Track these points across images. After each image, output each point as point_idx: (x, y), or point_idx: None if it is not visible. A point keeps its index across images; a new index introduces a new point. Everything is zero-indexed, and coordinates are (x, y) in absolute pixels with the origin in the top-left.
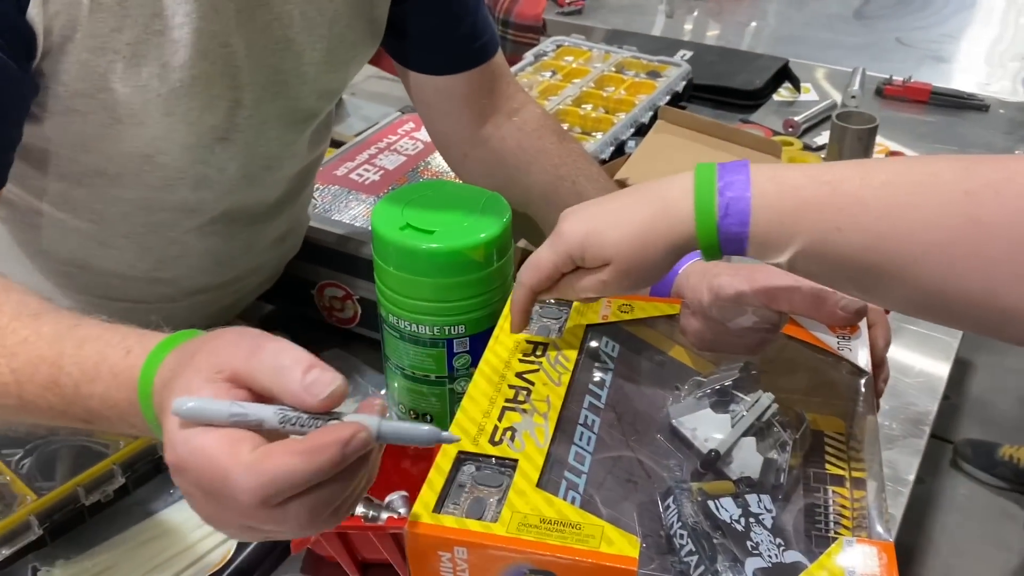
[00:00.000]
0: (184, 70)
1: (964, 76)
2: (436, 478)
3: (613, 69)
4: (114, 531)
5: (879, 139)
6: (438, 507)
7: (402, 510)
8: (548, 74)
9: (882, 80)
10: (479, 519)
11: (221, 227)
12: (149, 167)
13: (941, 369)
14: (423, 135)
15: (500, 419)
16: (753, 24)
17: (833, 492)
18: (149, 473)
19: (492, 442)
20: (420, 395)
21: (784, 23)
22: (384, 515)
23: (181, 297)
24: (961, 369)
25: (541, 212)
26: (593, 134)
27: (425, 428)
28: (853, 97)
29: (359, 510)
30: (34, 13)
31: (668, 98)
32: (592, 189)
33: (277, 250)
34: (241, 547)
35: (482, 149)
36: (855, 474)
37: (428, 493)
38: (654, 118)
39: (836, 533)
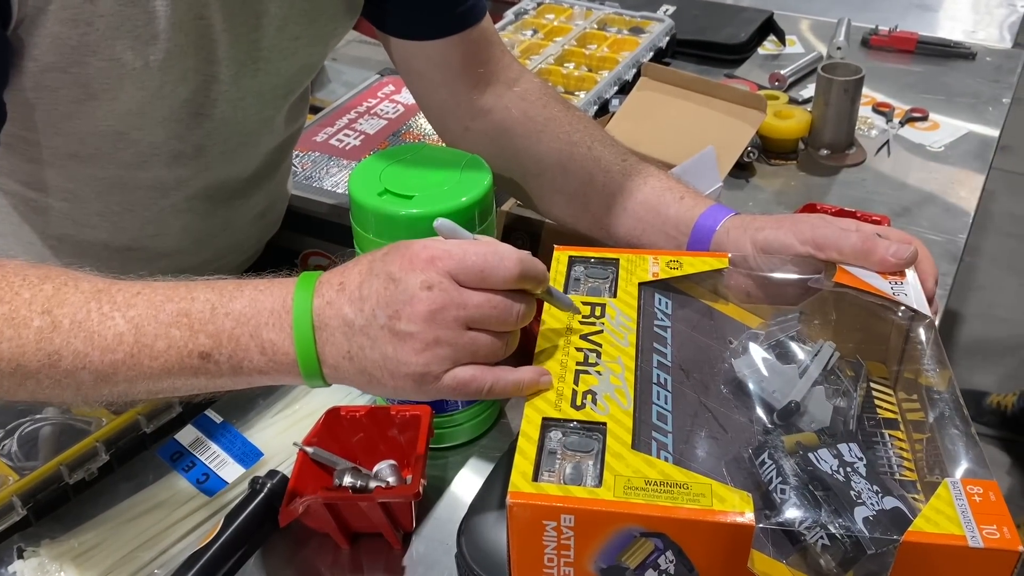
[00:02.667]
0: (159, 43)
1: (950, 24)
2: (527, 446)
3: (595, 26)
4: (99, 509)
5: (866, 90)
6: (536, 475)
7: (391, 479)
8: (529, 33)
9: (868, 30)
10: (580, 485)
11: (198, 204)
12: (123, 144)
13: None
14: (403, 97)
15: (576, 383)
16: None
17: (890, 435)
18: (133, 449)
19: (575, 406)
20: None
21: None
22: (372, 484)
23: (159, 276)
24: (950, 319)
25: (557, 180)
26: (576, 93)
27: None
28: (839, 48)
29: (347, 480)
30: None
31: (651, 54)
32: (608, 153)
33: (256, 227)
34: (228, 521)
35: (484, 121)
36: (911, 416)
37: (523, 463)
38: (638, 75)
39: (902, 476)
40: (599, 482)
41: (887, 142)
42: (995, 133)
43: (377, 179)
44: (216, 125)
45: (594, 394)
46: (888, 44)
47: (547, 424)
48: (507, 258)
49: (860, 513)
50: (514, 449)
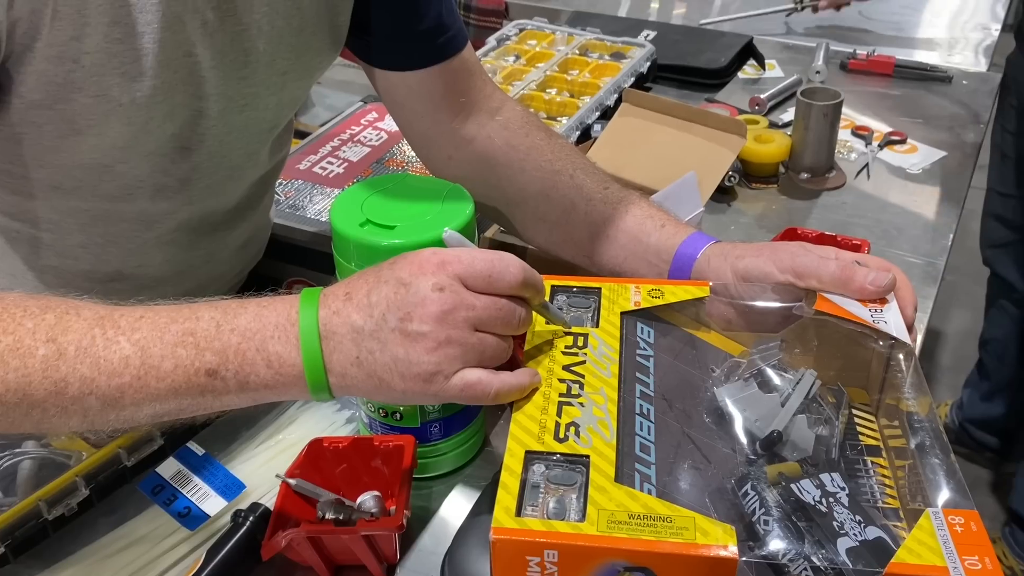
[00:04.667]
0: (146, 79)
1: (927, 48)
2: (510, 480)
3: (577, 52)
4: (79, 545)
5: (845, 113)
6: (519, 511)
7: (375, 510)
8: (512, 59)
9: (846, 54)
10: (563, 519)
11: (182, 236)
12: (108, 177)
13: None
14: (386, 124)
15: (559, 415)
16: (718, 1)
17: (872, 463)
18: (114, 483)
19: (557, 439)
20: None
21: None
22: (356, 516)
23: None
24: (933, 337)
25: (540, 209)
26: (558, 119)
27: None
28: (818, 72)
29: (330, 513)
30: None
31: (633, 79)
32: (591, 181)
33: (240, 257)
34: (211, 555)
35: (467, 150)
36: (893, 443)
37: (506, 497)
38: (619, 101)
39: (884, 503)
40: (582, 516)
41: (867, 165)
42: (972, 155)
43: (359, 209)
44: (202, 159)
45: (577, 426)
46: (866, 68)
47: (530, 457)
48: (512, 264)
49: (843, 544)
50: (495, 484)
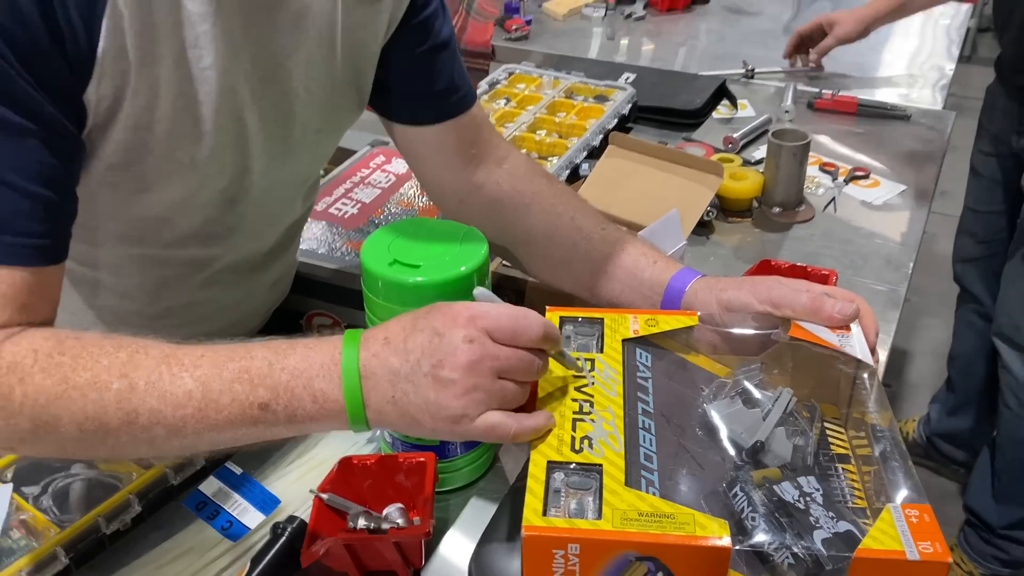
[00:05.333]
0: (204, 141)
1: (888, 87)
2: (535, 486)
3: (563, 95)
4: (133, 557)
5: (813, 150)
6: (545, 511)
7: (400, 520)
8: (503, 101)
9: (813, 94)
10: (583, 518)
11: (225, 277)
12: (167, 227)
13: None
14: (394, 167)
15: (574, 430)
16: (690, 43)
17: (843, 469)
18: (162, 500)
19: (574, 450)
20: None
21: (718, 41)
22: (385, 526)
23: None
24: (900, 357)
25: (544, 248)
26: (549, 158)
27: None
28: (787, 112)
29: (361, 522)
30: (90, 92)
31: (616, 121)
32: (588, 223)
33: (271, 293)
34: (255, 564)
35: (478, 195)
36: (860, 451)
37: (533, 500)
38: (604, 140)
39: (854, 504)
40: (599, 515)
41: (833, 199)
42: (930, 187)
43: (386, 250)
44: (246, 209)
45: (590, 439)
46: (832, 107)
47: (551, 467)
48: (534, 321)
49: (819, 535)
50: (515, 490)
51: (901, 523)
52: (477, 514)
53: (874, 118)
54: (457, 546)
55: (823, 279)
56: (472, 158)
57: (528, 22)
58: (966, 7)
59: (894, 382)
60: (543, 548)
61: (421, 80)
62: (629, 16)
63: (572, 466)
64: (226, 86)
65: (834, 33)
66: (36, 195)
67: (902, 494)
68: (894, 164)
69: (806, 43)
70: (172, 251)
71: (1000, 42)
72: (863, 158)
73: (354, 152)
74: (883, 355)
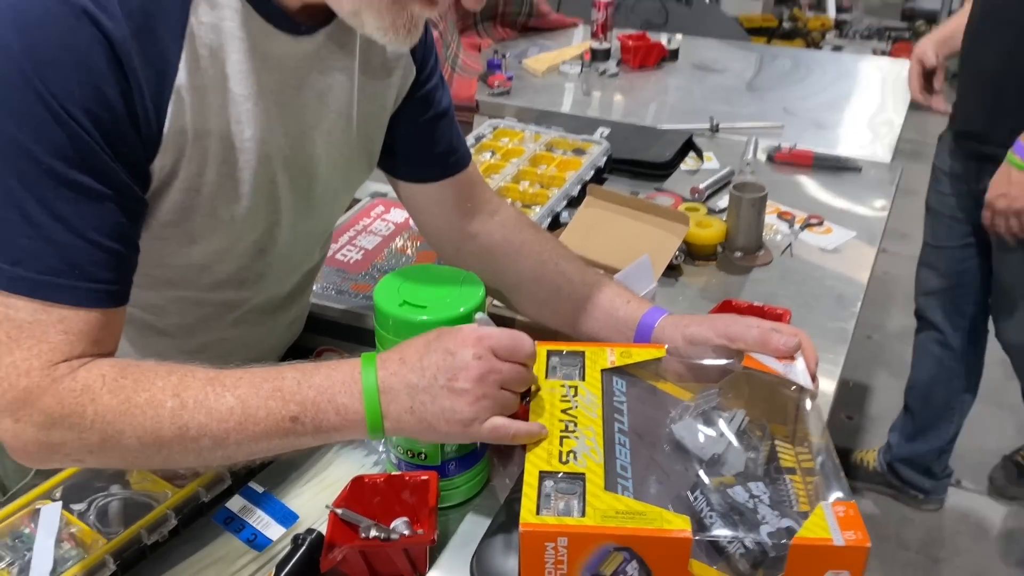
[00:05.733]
0: (243, 201)
1: (843, 141)
2: (530, 492)
3: (543, 148)
4: (170, 565)
5: (772, 199)
6: (539, 511)
7: (406, 532)
8: (488, 155)
9: (773, 147)
10: (570, 516)
11: (252, 316)
12: (206, 274)
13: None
14: (392, 216)
15: (561, 445)
16: (660, 98)
17: (790, 479)
18: (194, 516)
19: (561, 462)
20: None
21: (686, 97)
22: (393, 536)
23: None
24: (862, 391)
25: (532, 290)
26: (532, 207)
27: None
28: (748, 164)
29: (373, 533)
30: (155, 163)
31: (592, 172)
32: (570, 267)
33: (288, 332)
34: (279, 570)
35: (472, 243)
36: (804, 464)
37: (528, 503)
38: (583, 190)
39: (799, 508)
40: (583, 514)
41: (790, 245)
42: (878, 233)
43: (396, 292)
44: (274, 258)
45: (574, 453)
46: (789, 159)
47: (543, 475)
48: (527, 341)
49: (764, 530)
50: (509, 502)
51: (831, 517)
52: (473, 527)
53: (829, 169)
54: (456, 555)
55: (777, 317)
56: (468, 211)
57: (510, 78)
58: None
59: (856, 415)
60: (537, 541)
61: (423, 144)
62: (603, 73)
63: (560, 475)
64: (263, 154)
65: (934, 63)
66: (109, 249)
67: (834, 494)
68: (846, 212)
69: (928, 81)
70: (209, 294)
71: (957, 98)
72: (818, 207)
73: (357, 202)
74: (831, 386)
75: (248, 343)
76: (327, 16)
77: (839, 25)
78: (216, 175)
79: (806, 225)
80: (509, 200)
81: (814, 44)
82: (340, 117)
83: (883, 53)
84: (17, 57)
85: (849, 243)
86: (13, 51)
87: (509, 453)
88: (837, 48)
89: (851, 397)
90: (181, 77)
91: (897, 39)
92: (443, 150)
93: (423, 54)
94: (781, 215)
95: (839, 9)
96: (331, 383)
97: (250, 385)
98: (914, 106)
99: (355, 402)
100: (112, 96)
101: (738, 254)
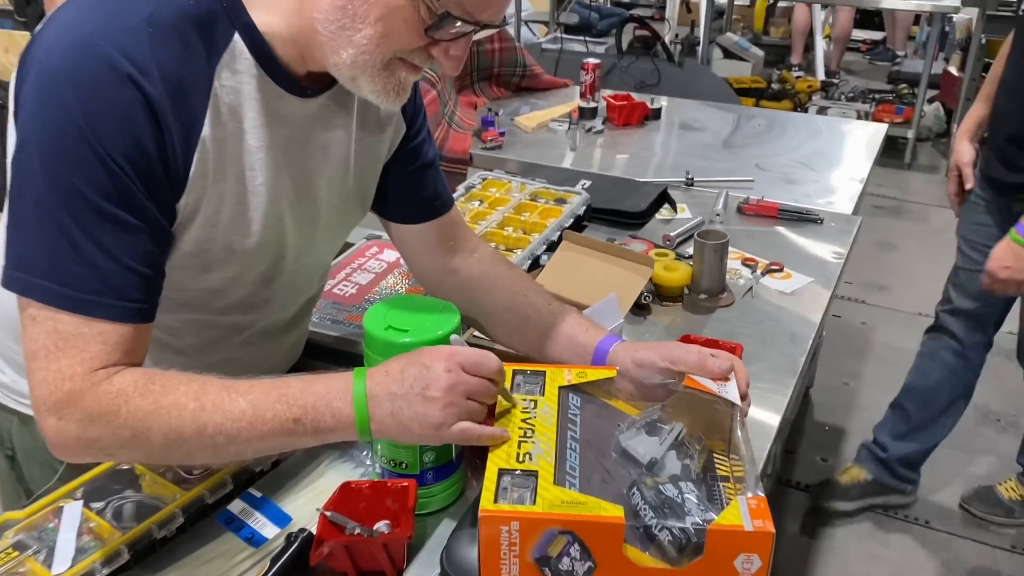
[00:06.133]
0: (253, 237)
1: (809, 194)
2: (489, 485)
3: (528, 197)
4: (177, 557)
5: (734, 249)
6: (496, 500)
7: (387, 531)
8: (477, 203)
9: (742, 199)
10: (522, 504)
11: (257, 339)
12: (218, 298)
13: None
14: (385, 256)
15: (519, 448)
16: (642, 154)
17: (723, 486)
18: (199, 515)
19: (518, 461)
20: (396, 448)
21: (666, 152)
22: (375, 535)
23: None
24: (837, 435)
25: (505, 318)
26: (515, 251)
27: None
28: (718, 215)
29: (357, 532)
30: (181, 202)
31: (572, 220)
32: (539, 299)
33: (289, 355)
34: (272, 563)
35: (454, 277)
36: (736, 473)
37: (487, 495)
38: (562, 237)
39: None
40: (534, 503)
41: (751, 288)
42: (833, 279)
43: (383, 318)
44: (279, 286)
45: (530, 454)
46: (757, 211)
47: (501, 472)
48: (492, 359)
49: (689, 520)
50: (474, 506)
51: (744, 508)
52: (447, 531)
53: (792, 221)
54: (432, 554)
55: (731, 350)
56: (450, 249)
57: (502, 134)
58: (877, 126)
59: (831, 457)
60: (494, 525)
61: (412, 191)
62: (589, 130)
63: (516, 472)
64: (272, 197)
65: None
66: (142, 273)
67: (748, 491)
68: (806, 260)
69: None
70: (220, 317)
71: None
72: (780, 254)
73: (353, 244)
74: (777, 419)
75: (253, 363)
76: (330, 82)
77: (825, 87)
78: (231, 213)
79: (767, 271)
80: (492, 244)
81: (801, 105)
82: (340, 167)
83: (866, 115)
84: (73, 113)
85: (806, 287)
86: (71, 108)
87: (481, 468)
88: (823, 109)
89: (827, 440)
90: (206, 130)
91: (881, 101)
92: (429, 195)
93: (412, 112)
94: (745, 261)
95: (827, 73)
96: (328, 391)
97: (259, 391)
98: (898, 166)
99: (347, 407)
100: (149, 146)
101: (703, 296)
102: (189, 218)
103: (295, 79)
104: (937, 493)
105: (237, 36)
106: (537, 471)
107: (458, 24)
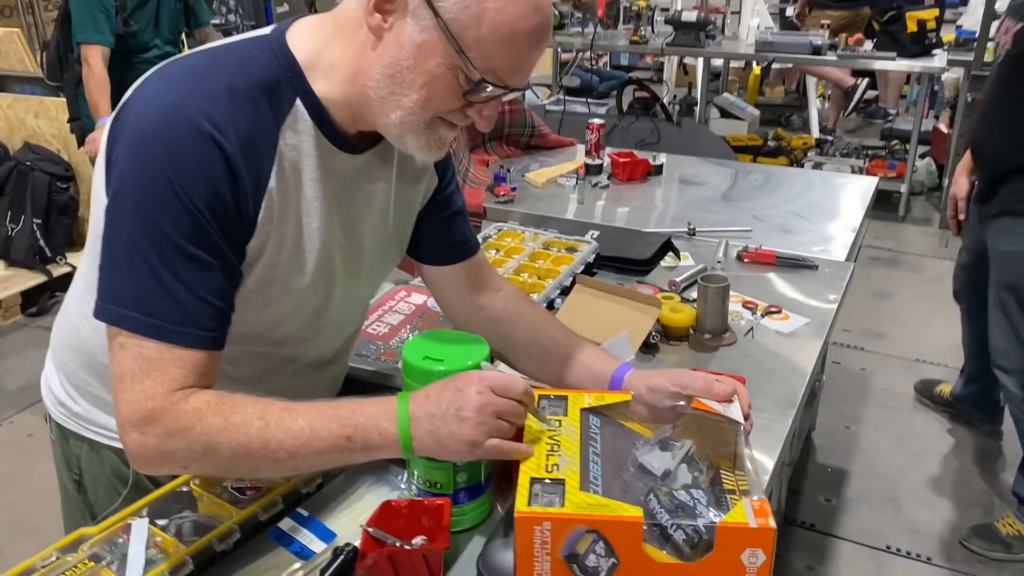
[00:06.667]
0: (307, 275)
1: (806, 242)
2: (522, 491)
3: (541, 247)
4: (234, 570)
5: (735, 293)
6: (529, 504)
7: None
8: (494, 252)
9: (741, 248)
10: (553, 507)
11: (304, 371)
12: (274, 332)
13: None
14: (413, 299)
15: (547, 460)
16: (645, 206)
17: (730, 497)
18: (253, 532)
19: (547, 471)
20: (432, 469)
21: (668, 205)
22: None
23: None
24: (840, 476)
25: (528, 351)
26: (530, 295)
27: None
28: (719, 262)
29: (398, 544)
30: (250, 244)
31: (583, 267)
32: (558, 333)
33: (331, 387)
34: (322, 574)
35: (480, 314)
36: (742, 487)
37: (521, 500)
38: (574, 282)
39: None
40: (563, 505)
41: (752, 329)
42: (828, 321)
43: (420, 350)
44: (327, 322)
45: (557, 465)
46: (755, 258)
47: (532, 480)
48: (519, 382)
49: (701, 520)
50: (505, 518)
51: (748, 509)
52: (478, 545)
53: (789, 267)
54: (465, 568)
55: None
56: (477, 288)
57: (513, 189)
58: (870, 179)
59: (834, 497)
60: (528, 525)
61: (442, 236)
62: (596, 185)
63: (546, 480)
64: (324, 240)
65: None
66: (215, 306)
67: (753, 495)
68: (802, 303)
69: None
70: (275, 348)
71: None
72: (778, 298)
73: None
74: (783, 432)
75: (300, 394)
76: (375, 140)
77: (820, 144)
78: (290, 254)
79: (767, 313)
80: None
81: (797, 161)
82: (381, 214)
83: (860, 170)
84: (164, 167)
85: (803, 328)
86: (162, 163)
87: (506, 492)
88: (818, 165)
89: (830, 481)
90: (272, 183)
91: (874, 157)
92: (458, 240)
93: (443, 166)
94: (746, 304)
95: (822, 130)
96: (376, 412)
97: (316, 412)
98: (892, 219)
99: (392, 427)
100: (226, 195)
101: (707, 336)
102: (255, 258)
103: (346, 138)
104: (939, 529)
105: (299, 102)
106: (564, 479)
107: (490, 88)
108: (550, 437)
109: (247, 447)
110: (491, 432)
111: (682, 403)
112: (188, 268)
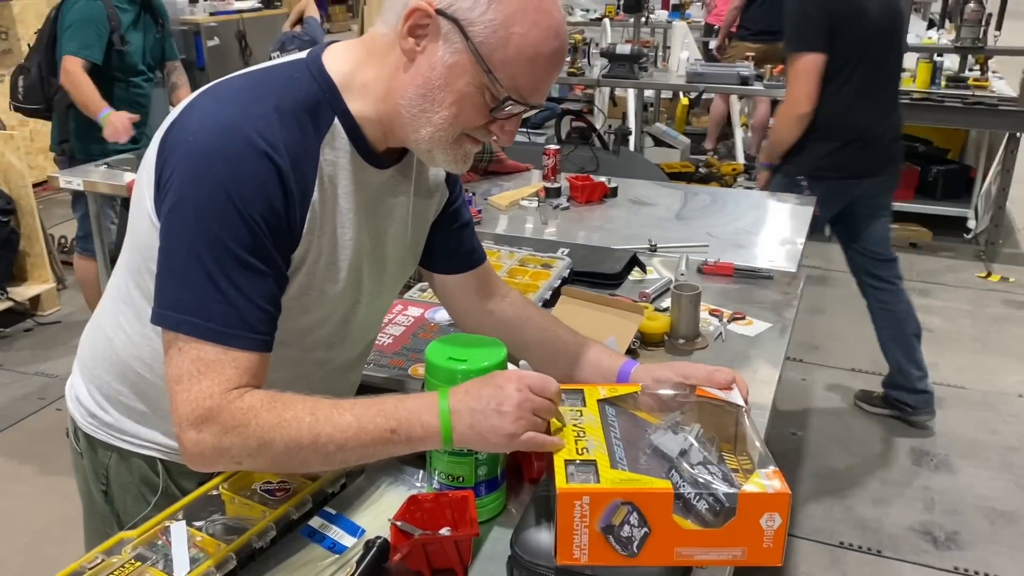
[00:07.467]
0: (340, 283)
1: (757, 255)
2: (560, 471)
3: (517, 263)
4: (270, 567)
5: (704, 300)
6: (567, 482)
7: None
8: None
9: (701, 261)
10: (589, 483)
11: (331, 375)
12: (308, 337)
13: None
14: (410, 312)
15: (577, 443)
16: (605, 226)
17: (736, 477)
18: (286, 529)
19: (578, 453)
20: (454, 464)
21: (626, 225)
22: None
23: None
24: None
25: (537, 352)
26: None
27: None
28: (682, 275)
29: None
30: (295, 253)
31: (559, 281)
32: (565, 334)
33: (352, 389)
34: (358, 564)
35: (490, 319)
36: (744, 465)
37: (560, 479)
38: (556, 294)
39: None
40: (598, 481)
41: (720, 333)
42: (788, 325)
43: (443, 351)
44: (354, 327)
45: (587, 448)
46: (715, 271)
47: (567, 462)
48: (553, 382)
49: (721, 490)
50: (536, 499)
51: (764, 477)
52: (497, 536)
53: (746, 278)
54: (490, 555)
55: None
56: (486, 294)
57: (479, 211)
58: (808, 199)
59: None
60: (569, 500)
61: (453, 246)
62: (556, 207)
63: (578, 462)
64: (355, 250)
65: None
66: (267, 311)
67: (769, 466)
68: (762, 309)
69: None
70: (307, 353)
71: None
72: (740, 305)
73: None
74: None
75: (327, 396)
76: (399, 156)
77: (748, 169)
78: (326, 263)
79: (732, 319)
80: None
81: (727, 186)
82: (401, 225)
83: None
84: (223, 181)
85: (766, 332)
86: (221, 177)
87: (518, 487)
88: (748, 188)
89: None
90: (315, 196)
91: None
92: (467, 250)
93: (453, 181)
94: (712, 312)
95: (747, 158)
96: (419, 406)
97: (362, 407)
98: (820, 239)
99: (434, 420)
100: (279, 207)
101: (681, 341)
102: (298, 267)
103: (376, 154)
104: (886, 523)
105: (336, 120)
106: (595, 460)
107: (514, 105)
108: (575, 424)
109: (299, 441)
110: (528, 426)
111: (685, 392)
112: (244, 275)
